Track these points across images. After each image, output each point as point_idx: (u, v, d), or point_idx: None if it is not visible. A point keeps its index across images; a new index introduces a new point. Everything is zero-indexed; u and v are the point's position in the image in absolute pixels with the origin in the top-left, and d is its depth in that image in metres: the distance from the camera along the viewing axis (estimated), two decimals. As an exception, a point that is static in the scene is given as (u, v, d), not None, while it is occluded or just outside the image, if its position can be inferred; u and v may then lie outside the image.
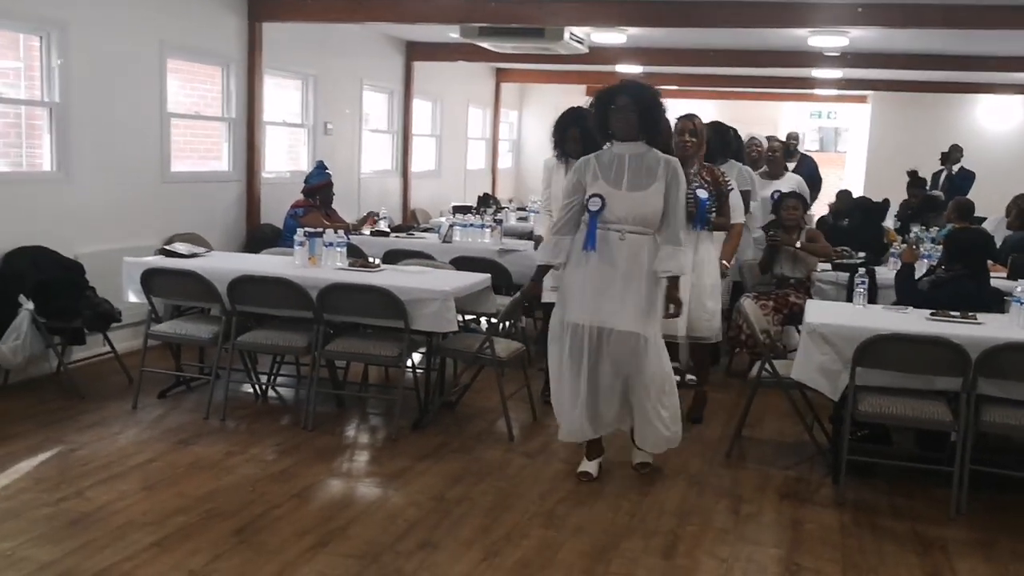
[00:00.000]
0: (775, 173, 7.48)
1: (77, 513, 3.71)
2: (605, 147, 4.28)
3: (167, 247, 5.70)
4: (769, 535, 3.86)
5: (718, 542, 3.75)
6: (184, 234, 6.66)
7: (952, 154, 11.06)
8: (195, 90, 7.59)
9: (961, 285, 4.83)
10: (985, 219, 8.41)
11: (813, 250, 6.21)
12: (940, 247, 6.26)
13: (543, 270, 4.35)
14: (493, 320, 5.41)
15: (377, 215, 7.81)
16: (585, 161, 4.23)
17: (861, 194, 10.12)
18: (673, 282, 4.21)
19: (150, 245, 6.19)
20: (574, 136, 5.18)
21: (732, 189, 5.31)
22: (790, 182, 7.44)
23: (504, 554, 3.53)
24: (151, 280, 5.15)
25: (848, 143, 18.76)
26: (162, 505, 3.83)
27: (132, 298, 5.33)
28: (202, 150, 7.73)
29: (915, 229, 6.62)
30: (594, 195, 4.12)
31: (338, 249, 5.46)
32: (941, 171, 11.14)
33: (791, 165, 9.23)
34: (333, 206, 7.45)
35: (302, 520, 3.76)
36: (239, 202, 7.79)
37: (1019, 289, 4.47)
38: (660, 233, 4.15)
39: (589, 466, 4.38)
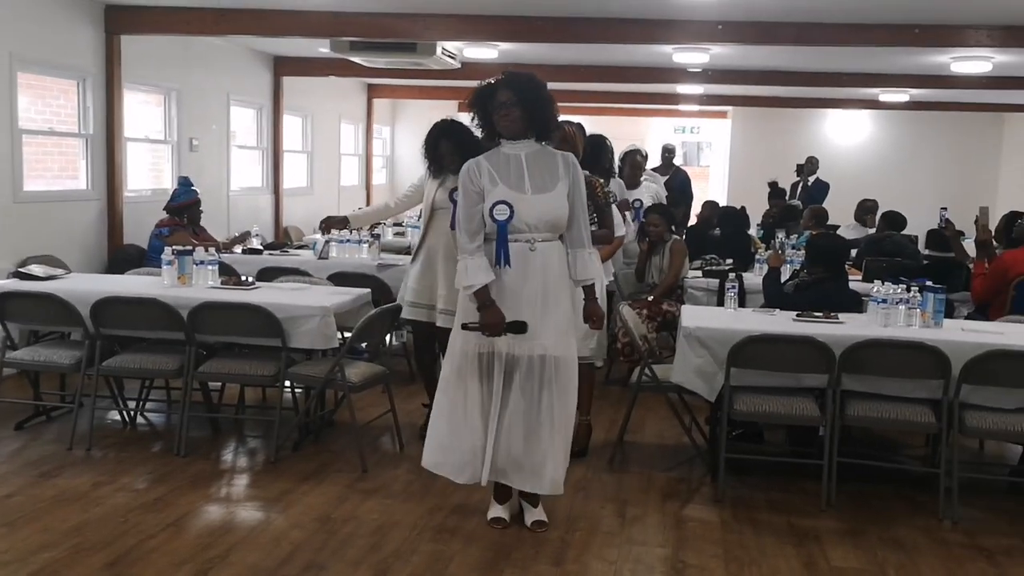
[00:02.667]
0: (633, 182, 7.62)
1: (-73, 557, 3.44)
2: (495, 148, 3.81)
3: (21, 269, 5.38)
4: (654, 535, 3.94)
5: (606, 545, 3.79)
6: (39, 256, 6.28)
7: (808, 165, 11.66)
8: (48, 106, 7.20)
9: (823, 287, 5.07)
10: (839, 226, 8.91)
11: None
12: (802, 253, 6.59)
13: (485, 293, 3.65)
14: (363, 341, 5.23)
15: (249, 233, 7.59)
16: (475, 164, 3.74)
17: (726, 204, 10.53)
18: (590, 291, 3.87)
19: (1, 268, 5.82)
20: (447, 150, 4.95)
21: (613, 201, 5.31)
22: (648, 191, 7.63)
23: (394, 571, 3.47)
24: (5, 304, 4.84)
25: (711, 157, 19.51)
26: (25, 542, 3.59)
27: (-16, 325, 4.98)
28: (56, 168, 7.35)
29: (779, 236, 6.93)
30: (499, 202, 3.65)
31: (209, 267, 5.27)
32: (798, 182, 11.72)
33: (664, 177, 9.55)
34: (201, 224, 7.21)
35: (179, 549, 3.59)
36: (100, 222, 7.42)
37: (875, 289, 4.73)
38: (566, 237, 3.80)
39: (501, 510, 3.94)
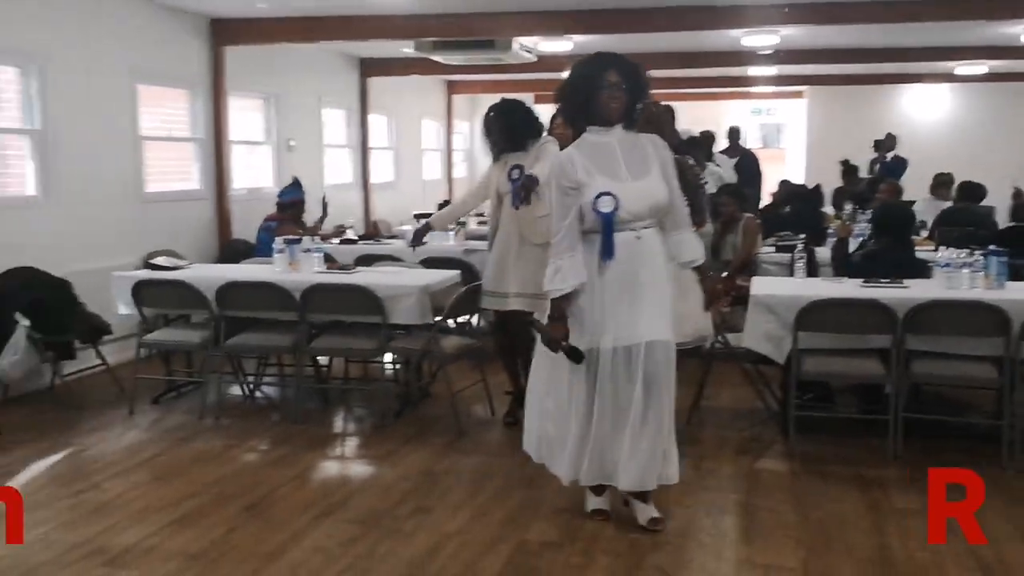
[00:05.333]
0: None
1: (97, 502, 4.03)
2: (584, 136, 3.65)
3: (151, 261, 6.00)
4: (728, 484, 4.30)
5: (683, 493, 4.11)
6: (161, 251, 6.89)
7: (886, 142, 11.66)
8: (169, 113, 7.87)
9: (889, 255, 5.28)
10: (915, 201, 8.99)
11: None
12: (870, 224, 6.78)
13: (563, 306, 3.56)
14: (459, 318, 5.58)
15: (344, 227, 8.12)
16: (567, 157, 3.61)
17: (797, 183, 10.68)
18: (702, 270, 3.84)
19: (130, 262, 6.45)
20: (496, 127, 5.05)
21: (703, 184, 5.26)
22: (711, 175, 7.78)
23: (492, 512, 3.92)
24: (141, 291, 5.45)
25: (788, 138, 19.45)
26: (174, 492, 4.16)
27: (123, 310, 5.59)
28: (173, 171, 8.03)
29: (847, 207, 7.11)
30: (603, 194, 3.49)
31: (315, 254, 5.80)
32: (876, 158, 11.75)
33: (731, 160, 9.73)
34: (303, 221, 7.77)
35: (305, 496, 4.11)
36: (211, 219, 8.10)
37: (940, 255, 4.95)
38: (668, 220, 3.68)
39: (601, 502, 3.86)
